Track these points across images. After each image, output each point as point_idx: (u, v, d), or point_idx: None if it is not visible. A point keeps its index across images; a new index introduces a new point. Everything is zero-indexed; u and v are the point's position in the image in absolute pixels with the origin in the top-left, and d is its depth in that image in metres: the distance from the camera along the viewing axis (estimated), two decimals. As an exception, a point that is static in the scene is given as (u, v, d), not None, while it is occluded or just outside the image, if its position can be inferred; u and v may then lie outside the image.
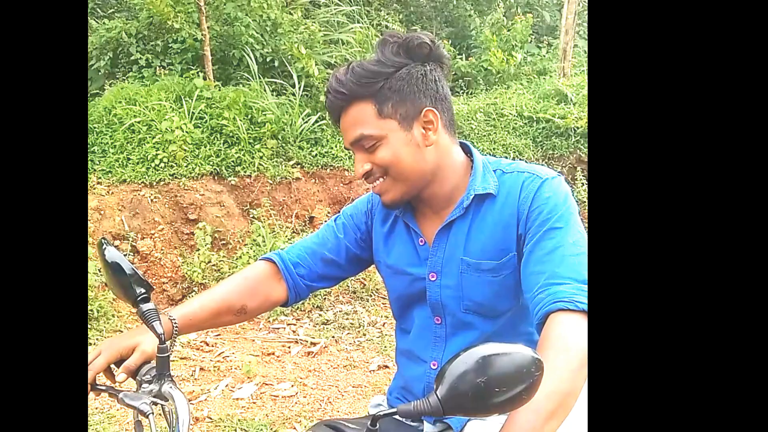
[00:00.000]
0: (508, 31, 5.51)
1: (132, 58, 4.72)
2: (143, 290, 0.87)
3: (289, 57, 4.76)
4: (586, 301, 0.85)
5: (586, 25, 7.20)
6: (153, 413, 0.78)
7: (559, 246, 0.91)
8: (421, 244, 1.07)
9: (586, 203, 4.44)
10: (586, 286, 0.87)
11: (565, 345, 0.80)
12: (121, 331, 3.25)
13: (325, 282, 1.17)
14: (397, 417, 0.89)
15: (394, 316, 1.18)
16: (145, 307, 0.86)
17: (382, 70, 0.96)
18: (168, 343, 0.85)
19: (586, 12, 7.18)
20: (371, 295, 3.88)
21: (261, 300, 1.13)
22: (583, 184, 4.59)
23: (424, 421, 1.08)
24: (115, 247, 0.88)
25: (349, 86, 0.96)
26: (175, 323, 0.98)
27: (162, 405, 0.83)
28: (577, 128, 4.71)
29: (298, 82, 4.60)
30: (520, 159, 4.55)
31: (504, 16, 5.92)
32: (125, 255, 3.64)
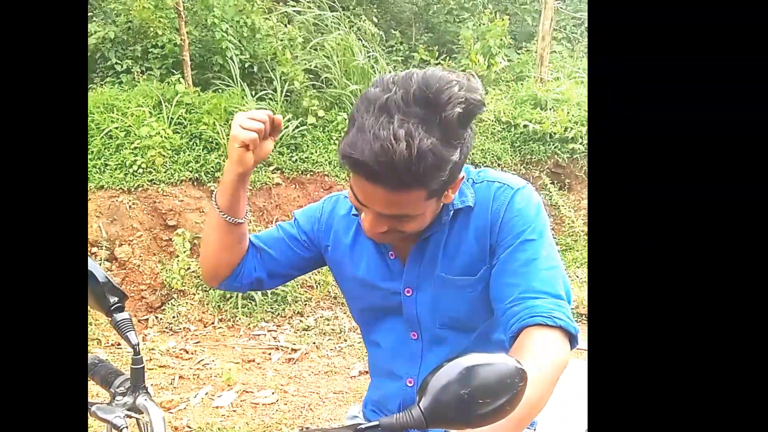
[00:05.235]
0: (489, 35, 5.55)
1: (109, 63, 4.66)
2: (117, 299, 0.85)
3: (270, 62, 4.74)
4: (563, 317, 0.85)
5: (564, 31, 7.29)
6: (127, 427, 0.76)
7: (534, 259, 0.89)
8: (391, 258, 1.02)
9: (560, 207, 4.51)
10: (563, 301, 0.87)
11: (540, 355, 0.80)
12: (99, 340, 3.20)
13: (276, 279, 1.12)
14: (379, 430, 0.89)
15: (359, 324, 1.14)
16: (119, 317, 0.84)
17: (449, 155, 0.79)
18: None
19: (563, 18, 7.27)
20: (352, 301, 3.87)
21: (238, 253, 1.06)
22: (560, 188, 4.64)
23: None
24: (92, 254, 0.87)
25: (413, 173, 0.77)
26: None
27: (137, 418, 0.81)
28: (554, 133, 4.77)
29: (280, 88, 4.58)
30: (498, 164, 4.59)
31: (488, 21, 5.96)
32: (102, 262, 3.61)
